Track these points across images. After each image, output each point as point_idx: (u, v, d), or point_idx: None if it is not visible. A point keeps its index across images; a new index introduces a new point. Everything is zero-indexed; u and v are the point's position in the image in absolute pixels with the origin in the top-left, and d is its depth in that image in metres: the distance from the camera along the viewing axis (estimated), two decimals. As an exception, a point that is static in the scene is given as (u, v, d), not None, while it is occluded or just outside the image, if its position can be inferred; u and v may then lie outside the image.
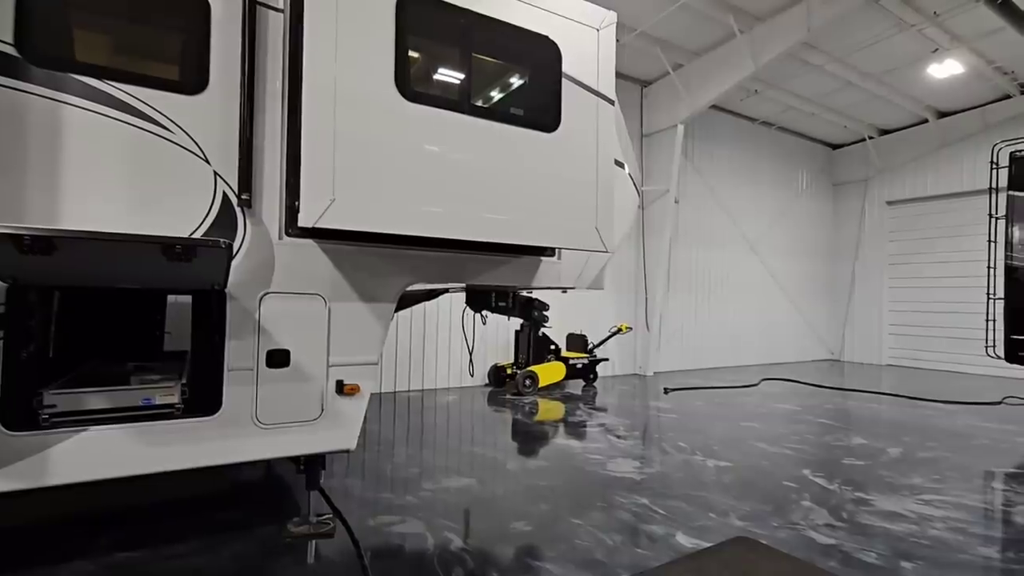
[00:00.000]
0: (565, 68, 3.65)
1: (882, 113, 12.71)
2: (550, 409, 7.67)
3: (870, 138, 13.85)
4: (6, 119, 2.49)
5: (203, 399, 2.94)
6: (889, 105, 12.06)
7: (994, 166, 8.44)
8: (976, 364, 11.29)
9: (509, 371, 9.12)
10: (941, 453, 5.60)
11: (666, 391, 9.14)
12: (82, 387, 2.79)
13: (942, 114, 12.63)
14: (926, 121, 12.72)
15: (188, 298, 3.54)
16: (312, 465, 3.38)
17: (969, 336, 11.60)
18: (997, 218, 8.24)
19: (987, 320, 8.42)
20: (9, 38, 2.49)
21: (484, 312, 7.35)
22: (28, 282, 2.65)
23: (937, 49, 9.67)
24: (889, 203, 14.04)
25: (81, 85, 2.62)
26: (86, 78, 2.63)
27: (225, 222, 2.92)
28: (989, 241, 8.54)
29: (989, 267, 8.51)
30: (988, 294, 8.45)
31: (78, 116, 2.61)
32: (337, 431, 3.24)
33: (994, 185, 8.41)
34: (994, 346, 8.09)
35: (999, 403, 8.51)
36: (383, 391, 8.40)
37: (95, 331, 3.66)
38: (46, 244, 2.18)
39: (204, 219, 2.87)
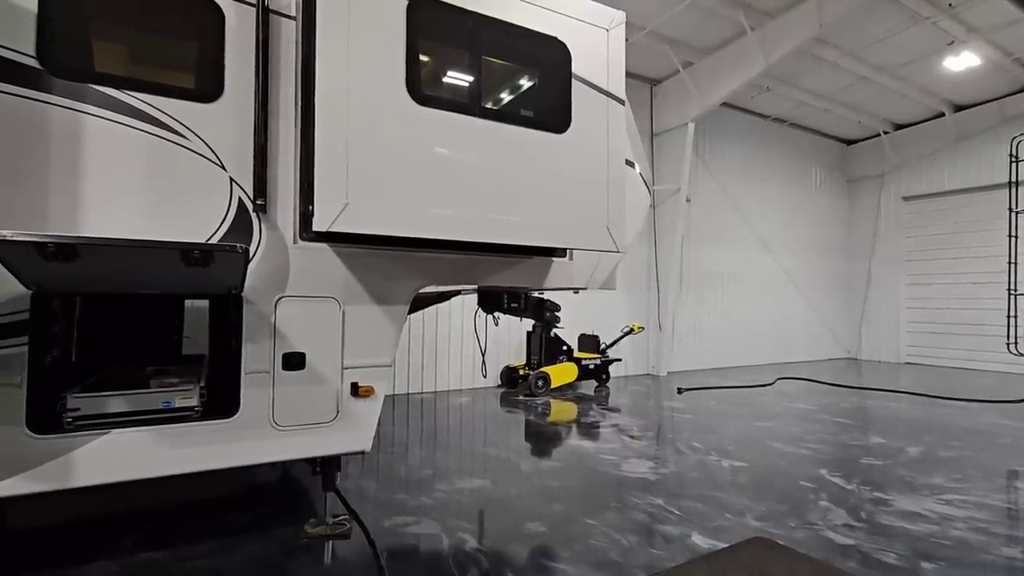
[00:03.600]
0: (575, 69, 3.65)
1: (897, 107, 12.53)
2: (563, 410, 7.66)
3: (885, 133, 13.66)
4: (29, 129, 2.55)
5: (221, 402, 2.98)
6: (904, 99, 11.89)
7: (1013, 160, 8.30)
8: (997, 361, 11.07)
9: (521, 372, 9.13)
10: (962, 452, 5.51)
11: (680, 391, 9.09)
12: (104, 391, 2.84)
13: (958, 107, 12.42)
14: (942, 115, 12.51)
15: (206, 302, 3.60)
16: (328, 466, 3.41)
17: (990, 333, 11.39)
18: (1017, 212, 8.10)
19: (1008, 316, 8.28)
20: (31, 51, 2.56)
21: (496, 313, 7.37)
22: (51, 288, 2.71)
23: (953, 41, 9.52)
24: (905, 199, 13.83)
25: (101, 95, 2.68)
26: (105, 88, 2.69)
27: (241, 227, 2.96)
28: (1009, 236, 8.39)
29: (1009, 262, 8.37)
30: (1009, 290, 8.30)
31: (98, 125, 2.67)
32: (352, 432, 3.27)
33: (1013, 179, 8.26)
34: (1015, 343, 7.94)
35: (1022, 401, 8.34)
36: (396, 393, 8.45)
37: (116, 336, 3.73)
38: (69, 251, 2.23)
39: (220, 224, 2.92)
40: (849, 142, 14.95)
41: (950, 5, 8.52)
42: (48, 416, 2.65)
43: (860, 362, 13.96)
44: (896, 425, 6.79)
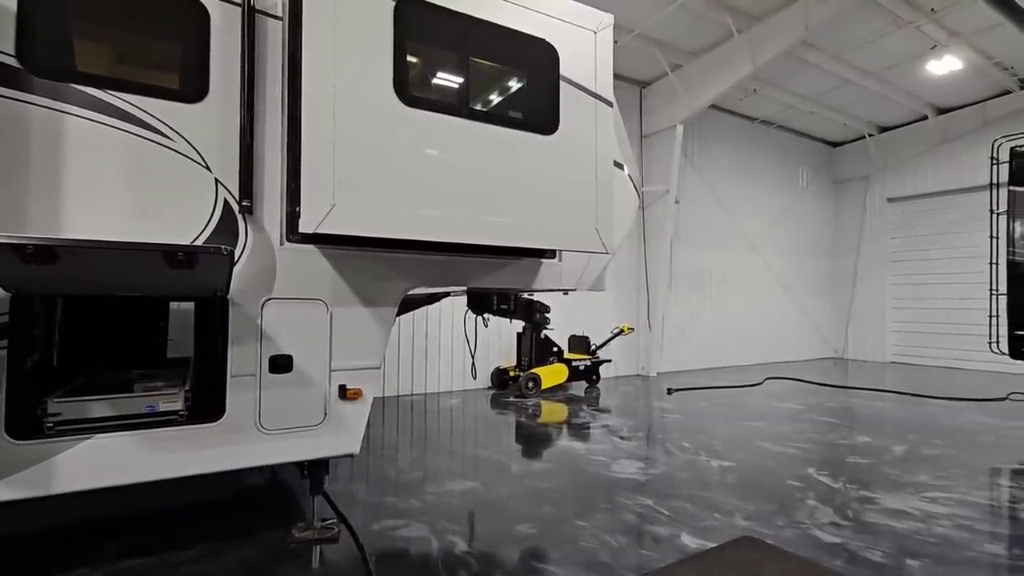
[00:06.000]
0: (563, 71, 3.66)
1: (881, 110, 12.71)
2: (553, 411, 7.67)
3: (870, 135, 13.84)
4: (8, 129, 2.51)
5: (207, 405, 2.95)
6: (888, 102, 12.06)
7: (994, 162, 8.44)
8: (980, 360, 11.25)
9: (512, 374, 9.12)
10: (946, 450, 5.58)
11: (669, 392, 9.13)
12: (86, 395, 2.80)
13: (941, 110, 12.62)
14: (926, 118, 12.71)
15: (191, 305, 3.56)
16: (316, 470, 3.38)
17: (973, 332, 11.57)
18: (999, 214, 8.23)
19: (990, 316, 8.41)
20: (11, 49, 2.52)
21: (486, 315, 7.36)
22: (31, 291, 2.66)
23: (936, 45, 9.67)
24: (890, 200, 14.02)
25: (82, 95, 2.64)
26: (87, 88, 2.65)
27: (227, 229, 2.93)
28: (991, 237, 8.53)
29: (992, 263, 8.50)
30: (991, 290, 8.44)
31: (80, 126, 2.63)
32: (340, 435, 3.25)
33: (995, 181, 8.40)
34: (998, 342, 8.07)
35: (1004, 399, 8.48)
36: (386, 395, 8.41)
37: (99, 339, 3.68)
38: (49, 253, 2.19)
39: (206, 226, 2.89)
40: (835, 144, 15.13)
41: (932, 10, 8.65)
42: (28, 421, 2.60)
43: (847, 362, 14.11)
44: (882, 424, 6.87)
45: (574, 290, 4.40)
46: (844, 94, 11.76)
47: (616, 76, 4.12)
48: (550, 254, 4.05)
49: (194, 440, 2.89)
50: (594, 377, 9.61)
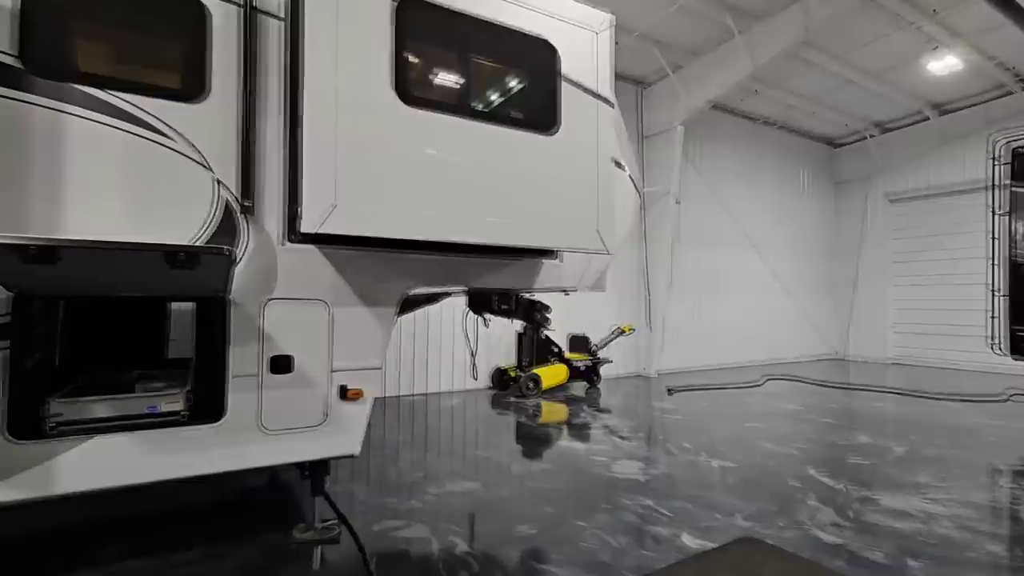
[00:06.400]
0: (564, 71, 3.65)
1: (882, 110, 12.70)
2: (554, 411, 7.66)
3: (871, 136, 13.83)
4: (10, 129, 2.51)
5: (207, 406, 2.94)
6: (889, 102, 12.05)
7: (995, 162, 8.42)
8: (981, 361, 11.23)
9: (512, 374, 9.12)
10: (947, 450, 5.58)
11: (670, 392, 9.13)
12: (87, 395, 2.80)
13: (943, 111, 12.61)
14: (927, 118, 12.70)
15: (192, 305, 3.56)
16: (317, 471, 3.38)
17: (973, 332, 11.54)
18: (1000, 214, 8.22)
19: (991, 316, 8.40)
20: (13, 50, 2.52)
21: (486, 315, 7.34)
22: (33, 291, 2.66)
23: (937, 46, 9.67)
24: (891, 200, 14.01)
25: (84, 95, 2.64)
26: (88, 88, 2.65)
27: (227, 229, 2.93)
28: (992, 238, 8.51)
29: (993, 263, 8.48)
30: (992, 290, 8.42)
31: (81, 126, 2.63)
32: (341, 436, 3.25)
33: (996, 181, 8.39)
34: (999, 342, 8.05)
35: (1005, 399, 8.47)
36: (386, 395, 8.41)
37: (100, 339, 3.68)
38: (50, 253, 2.19)
39: (206, 226, 2.89)
40: (836, 144, 15.12)
41: (934, 11, 8.65)
42: (29, 422, 2.60)
43: (848, 361, 14.10)
44: (882, 424, 6.87)
45: (575, 290, 4.39)
46: (845, 94, 11.75)
47: (616, 76, 4.12)
48: (551, 254, 4.04)
49: (195, 441, 2.89)
50: (595, 377, 9.60)
